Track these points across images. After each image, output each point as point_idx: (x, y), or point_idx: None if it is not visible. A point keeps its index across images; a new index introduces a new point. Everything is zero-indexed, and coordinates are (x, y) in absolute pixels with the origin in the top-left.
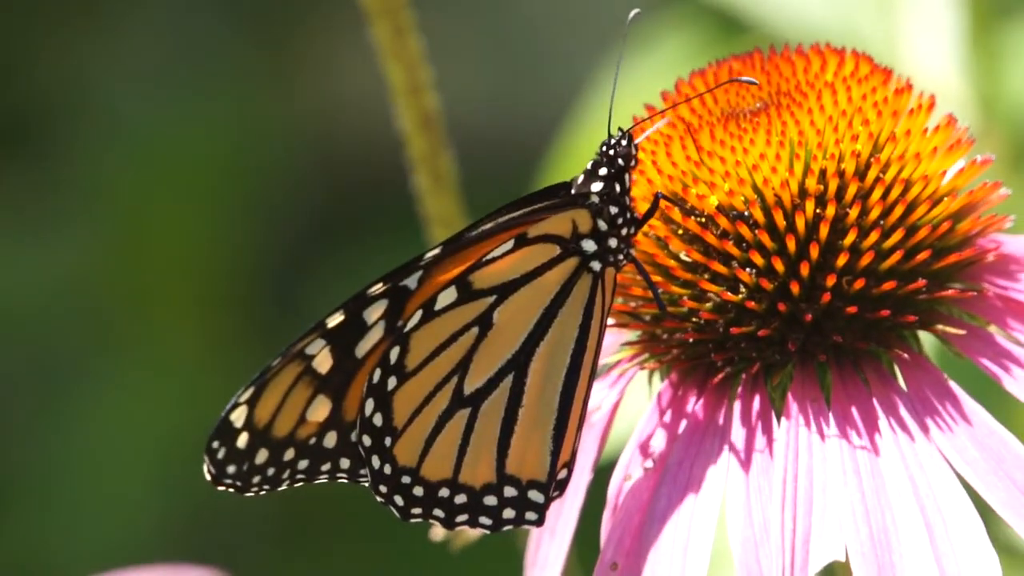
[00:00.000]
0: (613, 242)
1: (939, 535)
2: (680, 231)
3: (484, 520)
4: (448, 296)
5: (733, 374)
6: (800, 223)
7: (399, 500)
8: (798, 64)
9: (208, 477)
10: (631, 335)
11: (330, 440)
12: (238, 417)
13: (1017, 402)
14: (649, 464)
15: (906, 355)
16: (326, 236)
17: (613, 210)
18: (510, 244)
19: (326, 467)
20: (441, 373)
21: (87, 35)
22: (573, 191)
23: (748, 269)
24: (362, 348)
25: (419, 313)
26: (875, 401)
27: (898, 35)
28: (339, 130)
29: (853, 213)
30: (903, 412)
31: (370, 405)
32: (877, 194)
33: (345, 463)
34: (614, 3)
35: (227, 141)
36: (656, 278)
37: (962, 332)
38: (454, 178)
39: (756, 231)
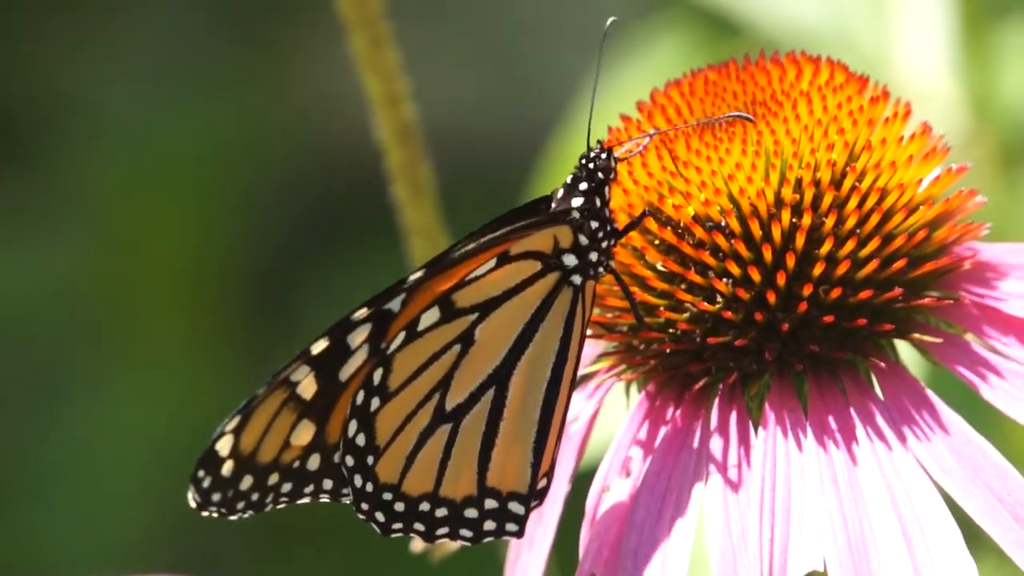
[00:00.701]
0: (594, 256)
1: (917, 543)
2: (656, 241)
3: (465, 532)
4: (431, 316)
5: (710, 384)
6: (776, 233)
7: (380, 516)
8: (773, 73)
9: (193, 504)
10: (608, 346)
11: (313, 463)
12: (224, 446)
13: (995, 410)
14: (627, 475)
15: (883, 364)
16: (315, 238)
17: (594, 224)
18: (492, 263)
19: (309, 489)
20: (423, 391)
21: (80, 36)
22: (554, 205)
23: (725, 279)
24: (346, 372)
25: (402, 335)
26: (852, 410)
27: (890, 37)
28: (329, 134)
29: (829, 222)
30: (880, 421)
31: (353, 426)
32: (853, 203)
33: (328, 484)
34: (606, 8)
35: (218, 143)
36: (633, 288)
37: (939, 340)
38: (433, 189)
39: (732, 241)
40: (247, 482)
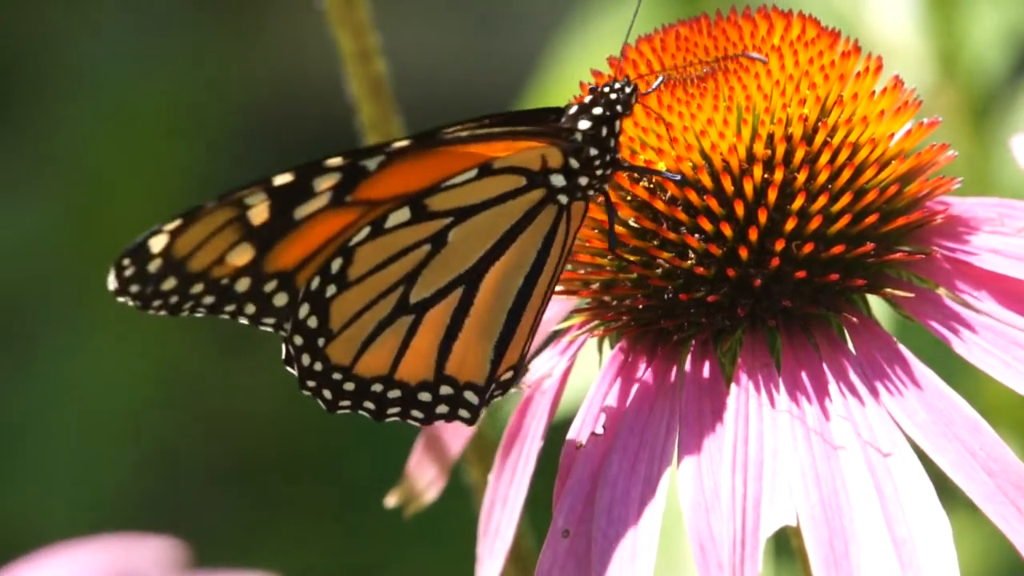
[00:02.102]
0: (584, 180)
1: (889, 498)
2: (628, 197)
3: (416, 413)
4: (400, 216)
5: (683, 340)
6: (748, 188)
7: (327, 394)
8: (745, 28)
9: (110, 287)
10: (581, 302)
11: (242, 285)
12: (156, 243)
13: (967, 365)
14: (600, 431)
15: (855, 319)
16: None
17: (592, 151)
18: (473, 173)
19: (230, 308)
20: (386, 283)
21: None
22: (563, 121)
23: (697, 235)
24: (301, 211)
25: (367, 229)
26: (825, 366)
27: None
28: (303, 90)
29: (801, 177)
30: (853, 376)
31: (305, 309)
32: (825, 158)
33: (250, 309)
34: None
35: (192, 99)
36: (604, 245)
37: (911, 295)
38: None
39: (704, 197)
40: (170, 283)
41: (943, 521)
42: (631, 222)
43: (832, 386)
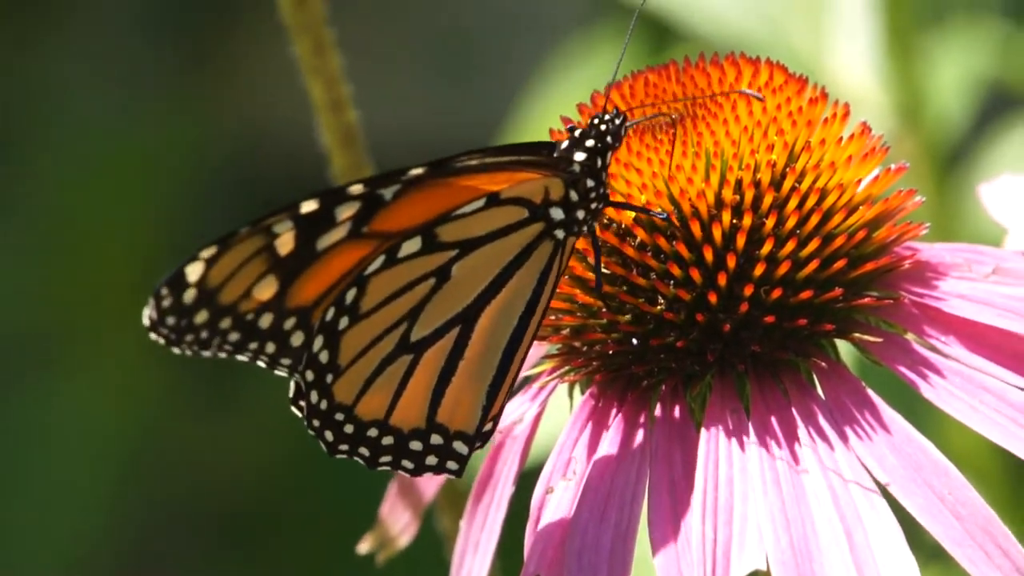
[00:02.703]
0: (581, 214)
1: (859, 543)
2: (599, 243)
3: (406, 463)
4: (412, 245)
5: (653, 385)
6: (717, 233)
7: (329, 435)
8: (713, 75)
9: (147, 322)
10: (552, 348)
11: (265, 321)
12: (193, 271)
13: (935, 408)
14: (571, 476)
15: (824, 364)
16: None
17: (589, 183)
18: (482, 202)
19: (253, 346)
20: (392, 318)
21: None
22: (556, 154)
23: (666, 280)
24: (323, 242)
25: (382, 258)
26: (794, 410)
27: (824, 45)
28: (276, 139)
29: (769, 223)
30: (822, 421)
31: (319, 341)
32: (793, 204)
33: (271, 348)
34: (552, 16)
35: (165, 148)
36: (575, 291)
37: (879, 340)
38: None
39: (673, 242)
40: (202, 316)
41: (912, 566)
42: (602, 268)
43: (801, 431)
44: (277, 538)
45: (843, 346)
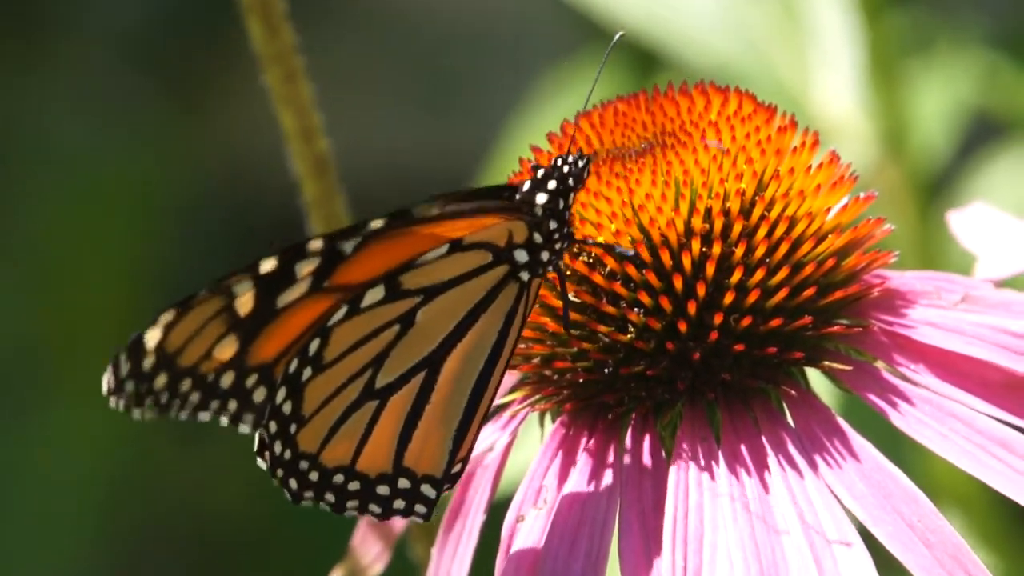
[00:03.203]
0: (545, 255)
1: (828, 569)
2: (568, 272)
3: (374, 508)
4: (376, 294)
5: (623, 414)
6: (686, 262)
7: (293, 484)
8: (682, 104)
9: (105, 389)
10: (522, 376)
11: (227, 380)
12: (152, 338)
13: (905, 436)
14: (542, 504)
15: (794, 392)
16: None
17: (552, 225)
18: (444, 249)
19: (215, 405)
20: (357, 366)
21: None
22: (517, 197)
23: (636, 309)
24: (283, 299)
25: (344, 308)
26: (764, 438)
27: (809, 75)
28: (257, 171)
29: (739, 251)
30: (792, 449)
31: (282, 393)
32: (762, 232)
33: (233, 405)
34: (536, 45)
35: (150, 180)
36: (545, 319)
37: (849, 368)
38: (348, 222)
39: (643, 271)
40: (161, 381)
41: None
42: (571, 296)
43: (771, 458)
44: (262, 565)
45: (813, 375)
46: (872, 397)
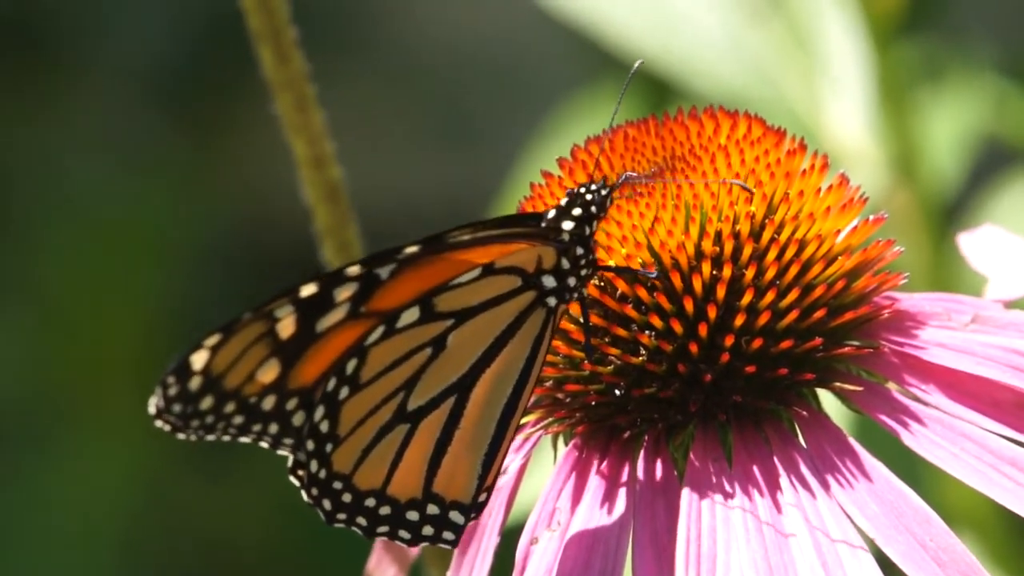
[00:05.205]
0: (572, 281)
1: None
2: (587, 306)
3: (403, 534)
4: (411, 315)
5: (635, 436)
6: (697, 285)
7: (327, 504)
8: (692, 128)
9: (153, 410)
10: (535, 399)
11: (268, 403)
12: (198, 359)
13: (917, 457)
14: (555, 527)
15: (805, 413)
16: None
17: (579, 251)
18: (478, 272)
19: (257, 428)
20: (390, 388)
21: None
22: (543, 224)
23: (648, 331)
24: (323, 324)
25: (381, 329)
26: (776, 459)
27: (819, 100)
28: (274, 210)
29: (749, 274)
30: (804, 469)
31: (320, 411)
32: (772, 254)
33: (274, 428)
34: (551, 78)
35: (162, 219)
36: (558, 342)
37: (860, 389)
38: (360, 249)
39: (654, 294)
40: (207, 403)
41: None
42: (581, 319)
43: (783, 479)
44: None
45: (825, 396)
46: (883, 417)
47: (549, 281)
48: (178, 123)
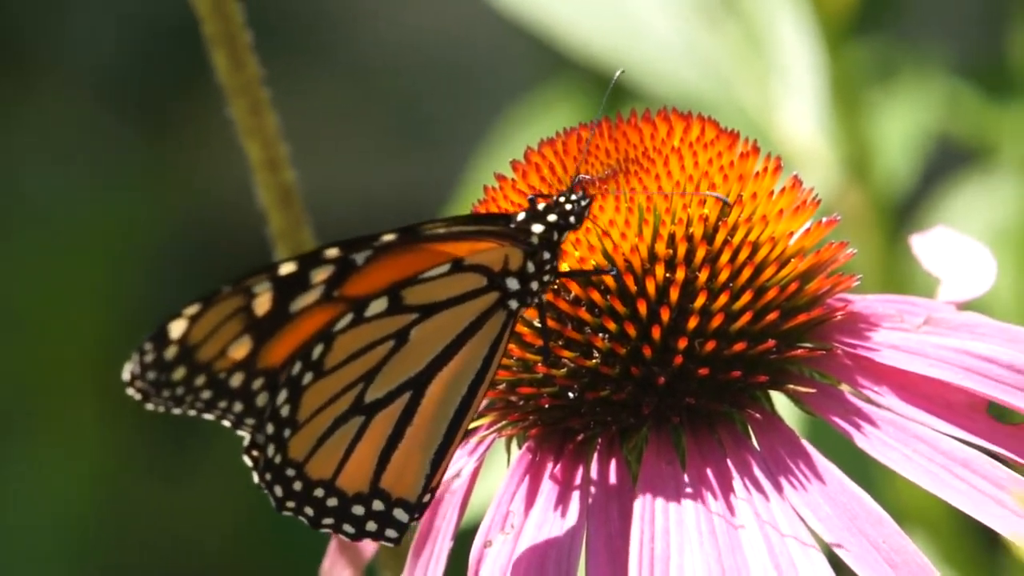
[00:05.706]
0: (534, 285)
1: None
2: (536, 300)
3: (347, 527)
4: (379, 305)
5: (589, 438)
6: (651, 287)
7: (278, 491)
8: (645, 131)
9: (126, 376)
10: (488, 402)
11: (236, 380)
12: (176, 328)
13: (870, 458)
14: (509, 530)
15: (759, 415)
16: None
17: (546, 255)
18: (447, 267)
19: (222, 404)
20: (351, 378)
21: None
22: (512, 225)
23: (601, 334)
24: (296, 304)
25: (349, 316)
26: (729, 461)
27: (772, 101)
28: (230, 210)
29: (702, 276)
30: (757, 472)
31: (283, 395)
32: (725, 257)
33: (238, 407)
34: (506, 77)
35: (118, 221)
36: (511, 345)
37: (813, 391)
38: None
39: (608, 296)
40: (179, 373)
41: None
42: (535, 322)
43: (737, 481)
44: None
45: (779, 397)
46: (836, 419)
47: (512, 283)
48: (134, 127)
